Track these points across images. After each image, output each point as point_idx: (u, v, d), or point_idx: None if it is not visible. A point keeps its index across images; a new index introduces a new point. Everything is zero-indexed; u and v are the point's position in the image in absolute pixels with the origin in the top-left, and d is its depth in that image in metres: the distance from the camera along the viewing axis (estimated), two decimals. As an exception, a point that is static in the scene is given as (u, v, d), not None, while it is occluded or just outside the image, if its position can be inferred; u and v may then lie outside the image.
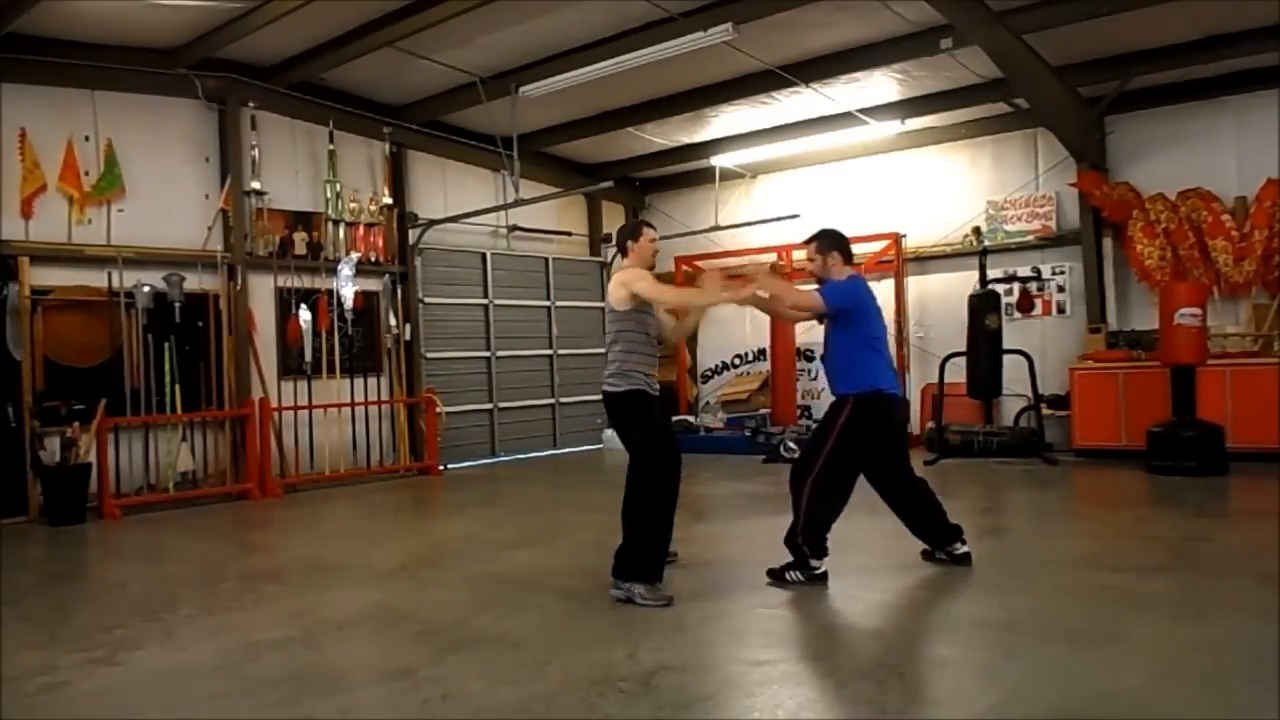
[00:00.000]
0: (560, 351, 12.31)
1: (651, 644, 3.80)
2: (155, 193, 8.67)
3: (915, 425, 10.52)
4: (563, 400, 12.32)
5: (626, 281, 4.65)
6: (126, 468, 8.27)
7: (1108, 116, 9.71)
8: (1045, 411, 9.45)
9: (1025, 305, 10.31)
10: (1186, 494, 7.03)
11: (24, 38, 7.72)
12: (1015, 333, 9.95)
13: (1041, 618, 4.03)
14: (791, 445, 9.79)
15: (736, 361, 12.53)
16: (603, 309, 4.83)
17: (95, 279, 8.24)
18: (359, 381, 10.01)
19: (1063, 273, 10.23)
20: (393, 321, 10.34)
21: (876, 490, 4.98)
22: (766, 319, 10.94)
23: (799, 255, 11.27)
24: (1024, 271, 10.34)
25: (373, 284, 10.24)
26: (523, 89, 9.09)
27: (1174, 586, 4.54)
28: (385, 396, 10.32)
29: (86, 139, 8.31)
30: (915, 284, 11.21)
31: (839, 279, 4.86)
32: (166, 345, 8.48)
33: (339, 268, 9.63)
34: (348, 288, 9.61)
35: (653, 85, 9.72)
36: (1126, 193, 9.49)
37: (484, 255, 11.57)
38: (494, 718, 3.14)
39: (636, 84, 9.41)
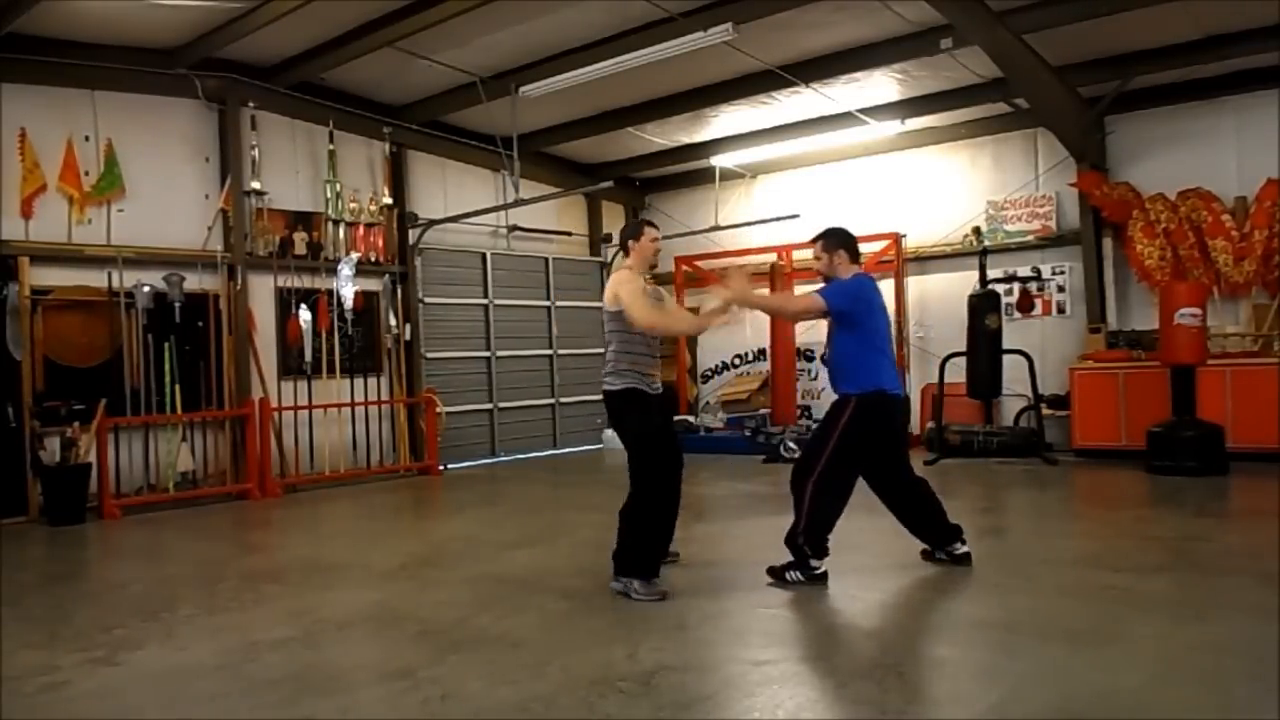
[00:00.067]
0: (560, 351, 12.31)
1: (651, 644, 3.80)
2: (155, 193, 8.67)
3: (915, 425, 10.52)
4: (563, 400, 12.33)
5: (617, 284, 4.67)
6: (126, 468, 8.27)
7: (1108, 116, 9.71)
8: (1045, 411, 9.45)
9: (1025, 305, 10.31)
10: (1186, 494, 7.03)
11: (24, 38, 7.72)
12: (1015, 333, 9.95)
13: (1041, 618, 4.03)
14: (791, 445, 9.79)
15: (736, 361, 12.53)
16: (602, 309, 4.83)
17: (95, 279, 8.24)
18: (359, 381, 10.01)
19: (1063, 273, 10.23)
20: (393, 321, 10.34)
21: (875, 491, 4.98)
22: (767, 319, 10.96)
23: (799, 255, 11.30)
24: (1024, 271, 10.34)
25: (373, 284, 10.24)
26: (523, 89, 9.10)
27: (1174, 586, 4.54)
28: (385, 396, 10.32)
29: (86, 139, 8.31)
30: (915, 284, 11.21)
31: (844, 278, 4.86)
32: (166, 345, 8.48)
33: (339, 268, 9.63)
34: (348, 288, 9.61)
35: (653, 85, 9.72)
36: (1126, 193, 9.49)
37: (484, 255, 11.57)
38: (494, 718, 3.14)
39: (636, 84, 9.41)
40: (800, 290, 10.33)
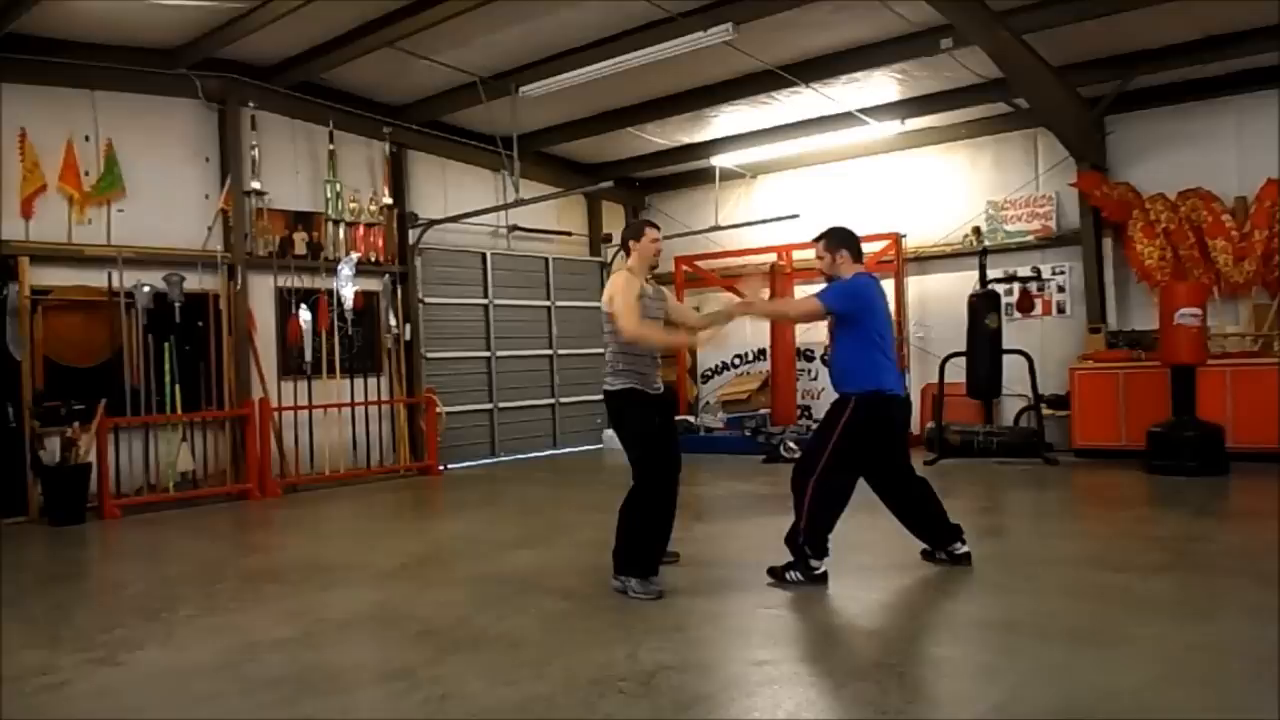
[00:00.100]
0: (560, 351, 12.31)
1: (651, 644, 3.80)
2: (155, 193, 8.67)
3: (915, 425, 10.52)
4: (563, 400, 12.32)
5: (614, 289, 4.70)
6: (126, 468, 8.27)
7: (1108, 116, 9.71)
8: (1045, 411, 9.45)
9: (1025, 305, 10.31)
10: (1186, 494, 7.03)
11: (24, 38, 7.72)
12: (1015, 333, 9.95)
13: (1042, 618, 4.03)
14: (791, 445, 9.79)
15: (736, 361, 12.52)
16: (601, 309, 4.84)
17: (95, 279, 8.24)
18: (359, 381, 10.01)
19: (1063, 273, 10.23)
20: (393, 321, 10.34)
21: (876, 491, 4.98)
22: (767, 322, 10.95)
23: (799, 255, 11.30)
24: (1024, 271, 10.34)
25: (373, 284, 10.24)
26: (523, 89, 9.10)
27: (1174, 586, 4.55)
28: (385, 396, 10.32)
29: (86, 139, 8.31)
30: (915, 284, 11.21)
31: (845, 277, 4.86)
32: (166, 345, 8.48)
33: (339, 268, 9.63)
34: (348, 288, 9.61)
35: (653, 85, 9.72)
36: (1126, 193, 9.49)
37: (484, 255, 11.57)
38: (494, 718, 3.14)
39: (636, 84, 9.41)
40: (801, 290, 10.34)
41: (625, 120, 10.66)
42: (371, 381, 10.20)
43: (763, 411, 11.31)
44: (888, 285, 10.68)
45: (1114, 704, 3.08)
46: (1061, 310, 10.24)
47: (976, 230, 10.56)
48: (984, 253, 9.95)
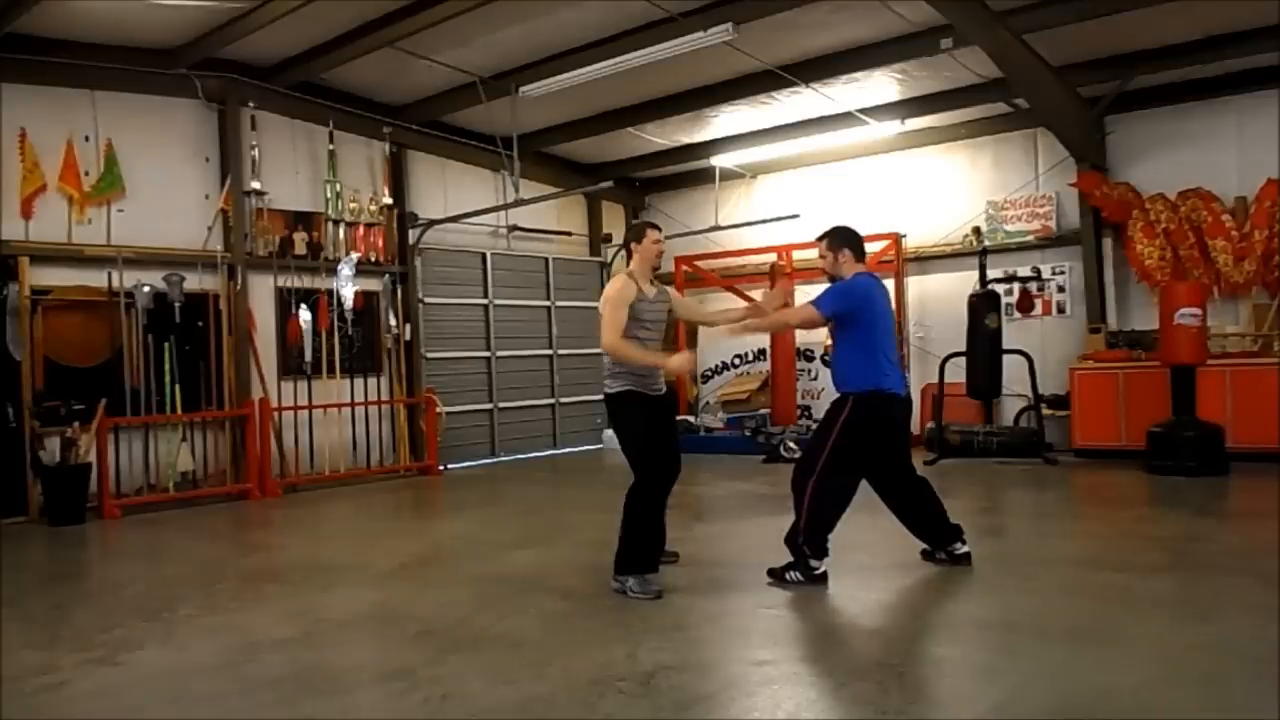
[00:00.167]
0: (560, 351, 12.31)
1: (651, 644, 3.80)
2: (155, 193, 8.67)
3: (915, 425, 10.52)
4: (563, 400, 12.33)
5: (607, 297, 4.74)
6: (126, 468, 8.27)
7: (1108, 116, 9.71)
8: (1045, 411, 9.45)
9: (1025, 305, 10.31)
10: (1186, 494, 7.03)
11: (24, 38, 7.72)
12: (1015, 333, 9.95)
13: (1041, 618, 4.03)
14: (791, 445, 9.79)
15: (736, 361, 12.52)
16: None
17: (95, 279, 8.24)
18: (359, 381, 10.02)
19: (1063, 273, 10.23)
20: (393, 321, 10.34)
21: (876, 490, 4.97)
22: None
23: (799, 255, 11.31)
24: (1024, 271, 10.34)
25: (373, 284, 10.24)
26: (523, 89, 9.10)
27: (1174, 586, 4.55)
28: (385, 396, 10.32)
29: (86, 139, 8.31)
30: (915, 284, 11.21)
31: (846, 277, 4.86)
32: (166, 345, 8.48)
33: (339, 268, 9.63)
34: (348, 288, 9.61)
35: (653, 85, 9.72)
36: (1126, 193, 9.49)
37: (484, 255, 11.57)
38: (494, 718, 3.14)
39: (636, 84, 9.41)
40: (801, 291, 10.32)
41: (625, 120, 10.66)
42: (371, 381, 10.20)
43: (763, 411, 11.31)
44: (888, 286, 10.73)
45: (1113, 704, 3.08)
46: (1061, 310, 10.24)
47: (976, 230, 10.56)
48: (984, 253, 9.95)
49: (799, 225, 11.27)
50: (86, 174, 8.27)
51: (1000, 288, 9.97)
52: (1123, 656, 3.51)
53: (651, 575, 4.60)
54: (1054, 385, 9.78)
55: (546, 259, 12.32)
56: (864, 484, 4.86)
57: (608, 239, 13.06)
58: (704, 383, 12.85)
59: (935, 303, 10.99)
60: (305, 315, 9.46)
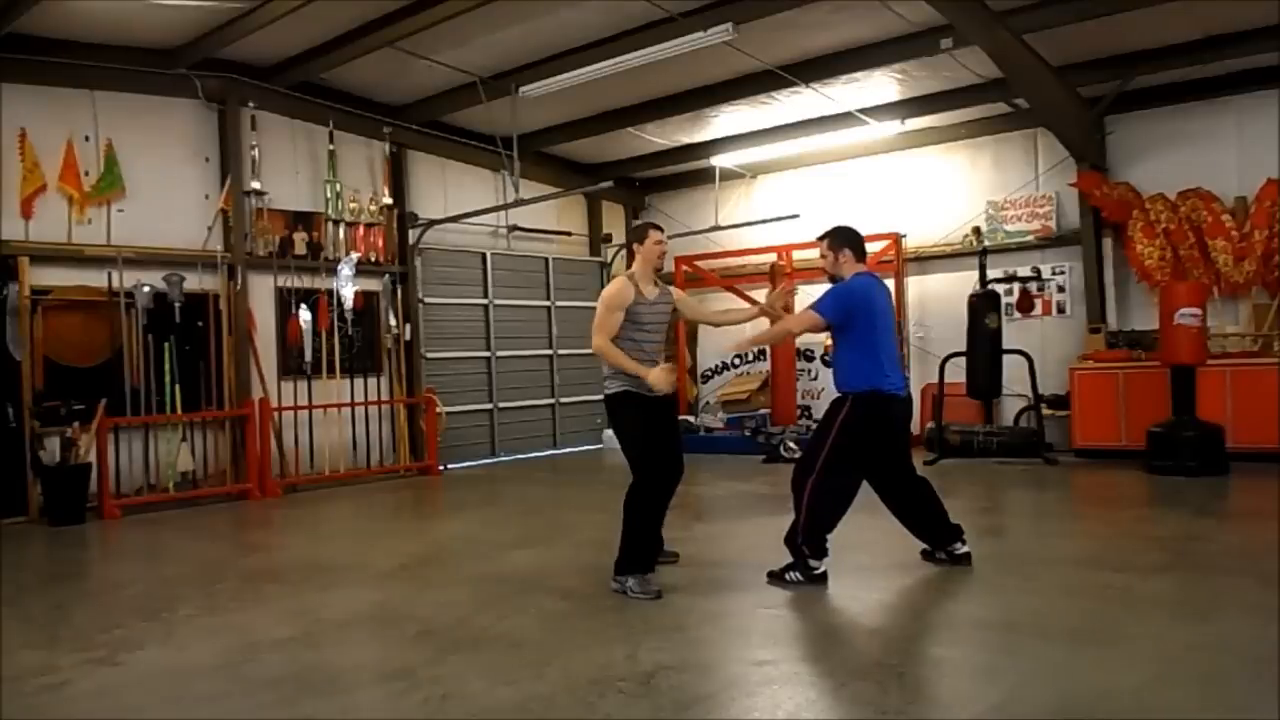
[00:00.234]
0: (560, 351, 12.31)
1: (651, 644, 3.80)
2: (155, 193, 8.67)
3: (915, 425, 10.52)
4: (563, 400, 12.33)
5: (602, 300, 4.76)
6: (126, 468, 8.27)
7: (1108, 116, 9.71)
8: (1045, 411, 9.45)
9: (1025, 305, 10.31)
10: (1186, 494, 7.03)
11: (24, 38, 7.72)
12: (1015, 333, 9.95)
13: (1041, 618, 4.03)
14: (791, 445, 9.80)
15: (736, 362, 12.53)
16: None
17: (95, 279, 8.24)
18: (359, 381, 10.02)
19: (1063, 273, 10.23)
20: (393, 321, 10.34)
21: (876, 490, 4.97)
22: (767, 320, 10.94)
23: (799, 255, 11.31)
24: (1024, 271, 10.34)
25: (373, 284, 10.24)
26: (523, 89, 9.10)
27: (1174, 586, 4.55)
28: (385, 396, 10.32)
29: (86, 139, 8.31)
30: (915, 284, 11.21)
31: (847, 277, 4.86)
32: (166, 345, 8.48)
33: (339, 268, 9.63)
34: (348, 288, 9.61)
35: (653, 85, 9.72)
36: (1126, 193, 9.49)
37: (484, 255, 11.57)
38: (494, 718, 3.14)
39: (636, 84, 9.41)
40: (803, 291, 10.32)
41: (625, 120, 10.66)
42: (371, 381, 10.20)
43: (763, 411, 11.31)
44: (888, 286, 10.73)
45: (1113, 703, 3.08)
46: (1061, 310, 10.24)
47: (976, 230, 10.56)
48: (984, 253, 9.95)
49: (799, 225, 11.27)
50: (86, 174, 8.27)
51: (1000, 288, 9.97)
52: (1123, 656, 3.51)
53: (651, 575, 4.61)
54: (1054, 385, 9.78)
55: (546, 259, 12.32)
56: (864, 484, 4.86)
57: (608, 239, 13.06)
58: (704, 383, 12.86)
59: (935, 303, 10.99)
60: (305, 315, 9.47)
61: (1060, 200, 10.18)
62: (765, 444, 10.33)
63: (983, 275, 9.76)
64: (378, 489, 9.27)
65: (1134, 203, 9.45)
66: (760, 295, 9.21)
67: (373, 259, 10.21)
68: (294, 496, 8.87)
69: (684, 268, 12.48)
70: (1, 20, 7.19)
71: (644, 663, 3.58)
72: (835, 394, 4.86)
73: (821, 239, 5.03)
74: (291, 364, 9.49)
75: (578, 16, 8.03)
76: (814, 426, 5.76)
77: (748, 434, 10.79)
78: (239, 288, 9.02)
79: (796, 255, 11.41)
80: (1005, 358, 9.46)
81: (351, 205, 10.08)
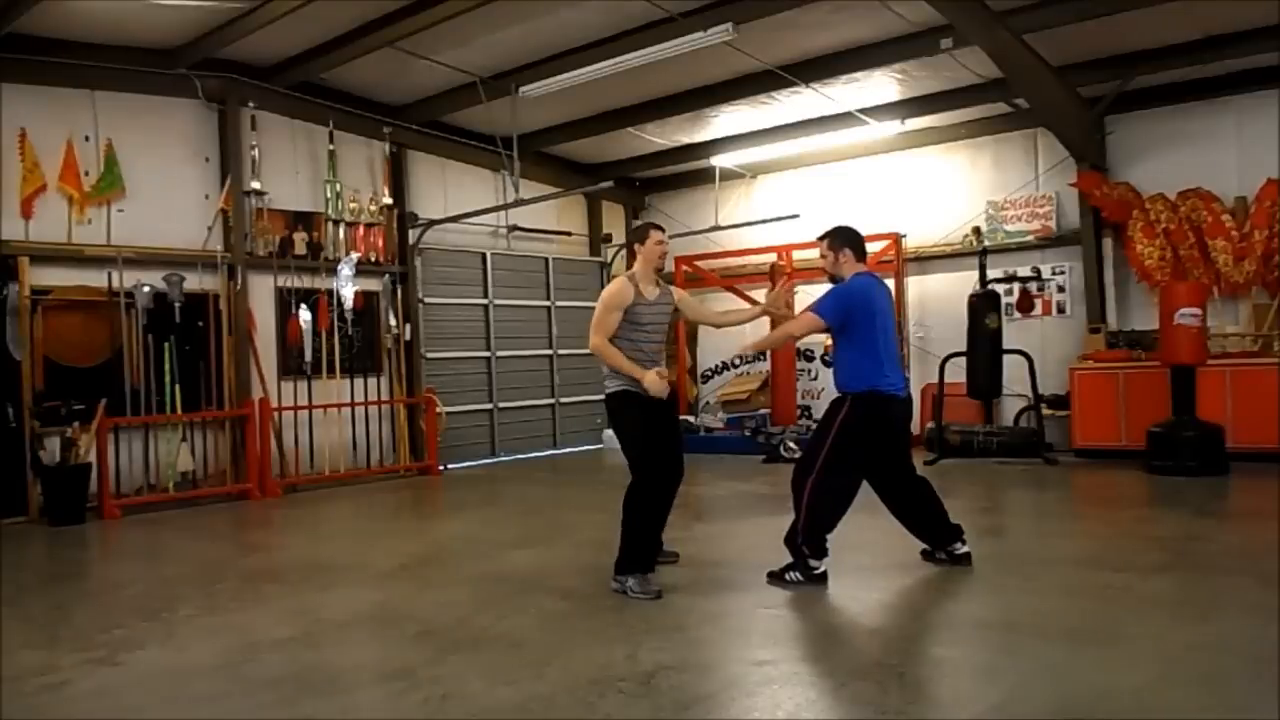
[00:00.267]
0: (560, 351, 12.31)
1: (651, 644, 3.80)
2: (155, 193, 8.67)
3: (915, 425, 10.52)
4: (563, 400, 12.33)
5: (601, 299, 4.77)
6: (126, 468, 8.27)
7: (1108, 116, 9.71)
8: (1045, 411, 9.45)
9: (1025, 305, 10.31)
10: (1186, 494, 7.03)
11: (24, 38, 7.72)
12: (1015, 333, 9.95)
13: (1041, 618, 4.03)
14: (791, 445, 9.80)
15: (736, 361, 12.53)
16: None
17: (95, 279, 8.24)
18: (359, 381, 10.02)
19: (1063, 273, 10.23)
20: (393, 321, 10.34)
21: (876, 490, 4.97)
22: (767, 320, 10.94)
23: (799, 255, 11.30)
24: (1024, 271, 10.34)
25: (373, 284, 10.24)
26: (523, 89, 9.10)
27: (1174, 586, 4.55)
28: (385, 396, 10.32)
29: (86, 139, 8.31)
30: (915, 284, 11.21)
31: (847, 277, 4.86)
32: (166, 345, 8.48)
33: (339, 268, 9.63)
34: (348, 288, 9.61)
35: (653, 85, 9.72)
36: (1126, 193, 9.49)
37: (484, 255, 11.57)
38: (494, 718, 3.14)
39: (636, 84, 9.41)
40: (803, 291, 10.33)
41: (625, 120, 10.66)
42: (371, 381, 10.20)
43: (763, 411, 11.31)
44: (888, 285, 10.74)
45: (1113, 703, 3.08)
46: (1061, 310, 10.24)
47: (976, 230, 10.56)
48: (984, 253, 9.95)
49: (799, 225, 11.27)
50: (86, 174, 8.26)
51: (1000, 288, 9.97)
52: (1123, 656, 3.51)
53: (651, 575, 4.61)
54: (1054, 385, 9.78)
55: (546, 259, 12.32)
56: (864, 484, 4.86)
57: (608, 239, 13.06)
58: (704, 383, 12.86)
59: (935, 303, 10.99)
60: (305, 315, 9.46)
61: (1060, 200, 10.18)
62: (765, 444, 10.33)
63: (983, 275, 9.76)
64: (378, 489, 9.27)
65: (1134, 203, 9.45)
66: (760, 295, 9.21)
67: (373, 259, 10.21)
68: (294, 496, 8.87)
69: (684, 268, 12.48)
70: (1, 20, 7.19)
71: (644, 663, 3.58)
72: (835, 394, 4.86)
73: (822, 239, 5.03)
74: (291, 364, 9.49)
75: (578, 16, 8.03)
76: (814, 426, 5.77)
77: (748, 434, 10.79)
78: (239, 288, 9.02)
79: (796, 255, 11.41)
80: (1005, 358, 9.46)
81: (351, 205, 10.08)
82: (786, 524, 4.77)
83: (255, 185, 9.23)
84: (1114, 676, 3.30)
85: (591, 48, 8.54)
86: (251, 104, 9.17)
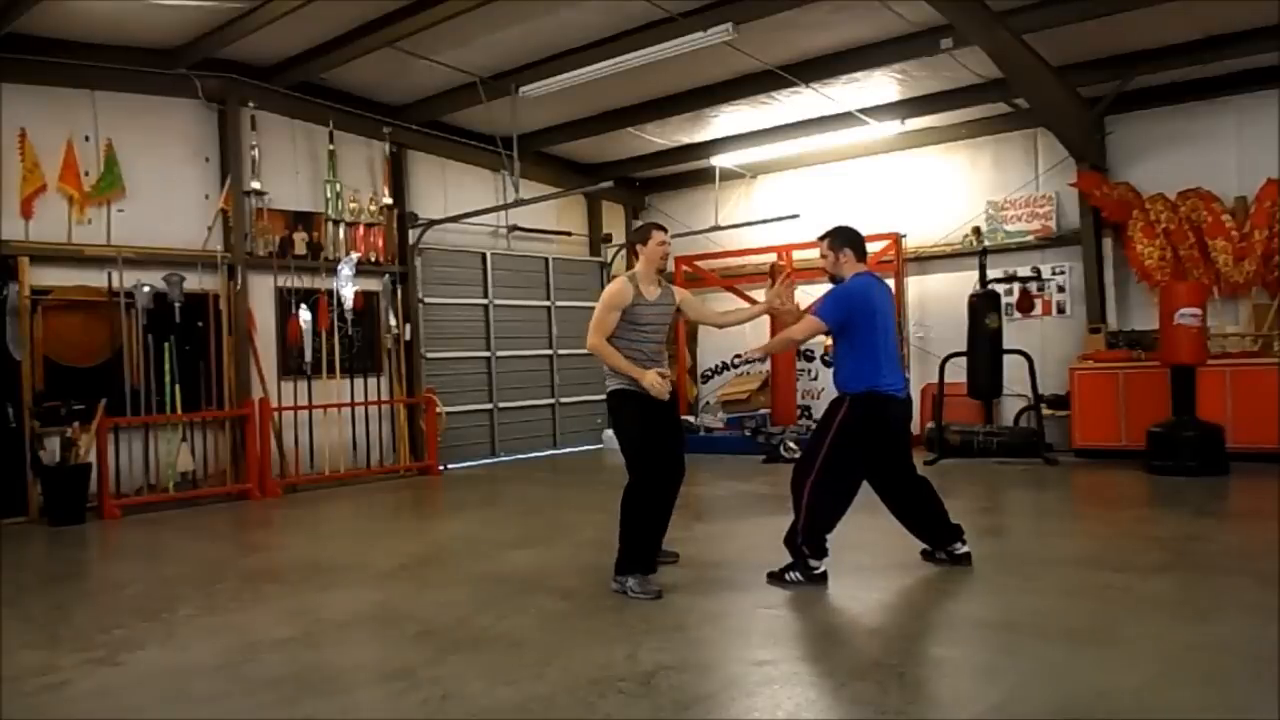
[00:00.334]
0: (560, 351, 12.31)
1: (651, 644, 3.80)
2: (155, 193, 8.67)
3: (915, 425, 10.52)
4: (563, 400, 12.33)
5: (602, 298, 4.80)
6: (126, 468, 8.27)
7: (1108, 116, 9.71)
8: (1045, 411, 9.45)
9: (1025, 305, 10.32)
10: (1186, 494, 7.03)
11: (24, 38, 7.72)
12: (1015, 333, 9.95)
13: (1041, 618, 4.03)
14: (791, 445, 9.80)
15: (736, 361, 12.53)
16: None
17: (95, 279, 8.24)
18: (359, 381, 10.02)
19: (1063, 273, 10.23)
20: (393, 321, 10.34)
21: (876, 490, 4.97)
22: (767, 320, 10.95)
23: (799, 255, 11.31)
24: (1024, 271, 10.34)
25: (373, 284, 10.24)
26: (523, 89, 9.10)
27: (1174, 586, 4.55)
28: (385, 396, 10.31)
29: (86, 139, 8.31)
30: (915, 284, 11.21)
31: (847, 277, 4.86)
32: (166, 345, 8.48)
33: (339, 268, 9.63)
34: (348, 288, 9.61)
35: (653, 85, 9.71)
36: (1126, 193, 9.49)
37: (484, 255, 11.57)
38: (494, 718, 3.14)
39: (636, 84, 9.41)
40: (803, 291, 10.34)
41: (625, 120, 10.66)
42: (371, 381, 10.20)
43: (763, 411, 11.31)
44: (888, 285, 10.74)
45: (1113, 703, 3.08)
46: (1061, 310, 10.24)
47: (976, 230, 10.56)
48: (984, 253, 9.95)
49: (799, 225, 11.27)
50: (86, 174, 8.26)
51: (1000, 288, 9.97)
52: (1123, 656, 3.51)
53: (651, 575, 4.61)
54: (1054, 385, 9.78)
55: (546, 259, 12.32)
56: (864, 484, 4.86)
57: (608, 239, 13.06)
58: (704, 383, 12.86)
59: (935, 303, 10.99)
60: (305, 315, 9.46)
61: (1060, 200, 10.18)
62: (765, 444, 10.33)
63: (983, 275, 9.76)
64: (378, 489, 9.27)
65: (1134, 203, 9.45)
66: (760, 296, 9.20)
67: (373, 259, 10.21)
68: (294, 496, 8.87)
69: (684, 268, 12.48)
70: (1, 20, 7.19)
71: (644, 663, 3.58)
72: (835, 394, 4.86)
73: (822, 239, 5.03)
74: (291, 364, 9.49)
75: (578, 16, 8.02)
76: (814, 426, 5.78)
77: (748, 434, 10.79)
78: (239, 288, 9.02)
79: (796, 255, 11.40)
80: (1005, 358, 9.46)
81: (351, 205, 10.08)
82: (786, 524, 4.77)
83: (255, 185, 9.23)
84: (1114, 676, 3.30)
85: (591, 48, 8.54)
86: (251, 104, 9.17)
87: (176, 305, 8.49)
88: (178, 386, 8.52)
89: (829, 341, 5.43)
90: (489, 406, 11.52)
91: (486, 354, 11.54)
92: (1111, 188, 9.54)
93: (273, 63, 9.04)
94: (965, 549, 4.97)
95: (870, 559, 5.15)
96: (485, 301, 11.55)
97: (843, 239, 4.95)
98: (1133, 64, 8.90)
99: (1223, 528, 6.21)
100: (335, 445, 9.58)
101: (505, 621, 4.26)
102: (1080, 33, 8.08)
